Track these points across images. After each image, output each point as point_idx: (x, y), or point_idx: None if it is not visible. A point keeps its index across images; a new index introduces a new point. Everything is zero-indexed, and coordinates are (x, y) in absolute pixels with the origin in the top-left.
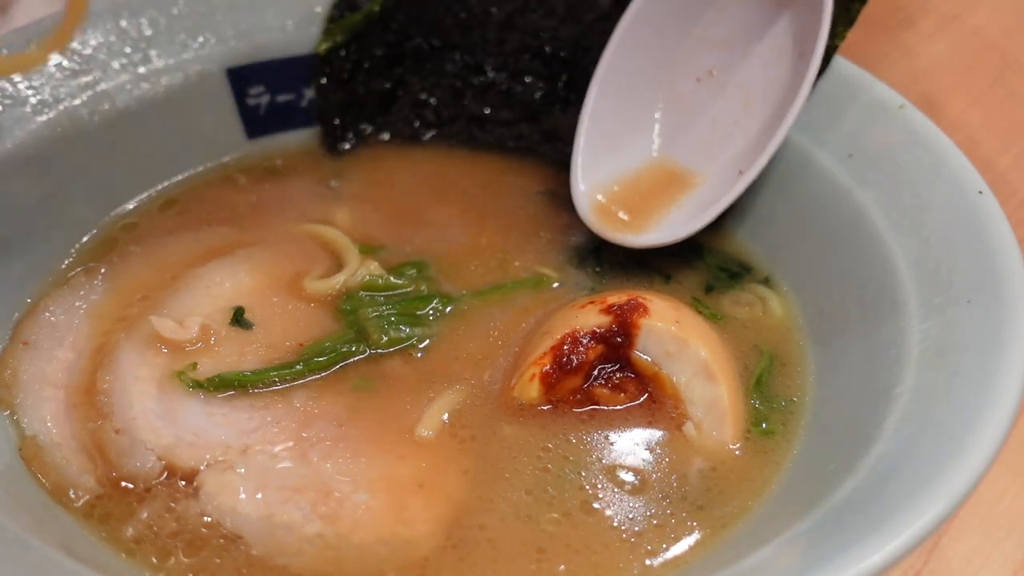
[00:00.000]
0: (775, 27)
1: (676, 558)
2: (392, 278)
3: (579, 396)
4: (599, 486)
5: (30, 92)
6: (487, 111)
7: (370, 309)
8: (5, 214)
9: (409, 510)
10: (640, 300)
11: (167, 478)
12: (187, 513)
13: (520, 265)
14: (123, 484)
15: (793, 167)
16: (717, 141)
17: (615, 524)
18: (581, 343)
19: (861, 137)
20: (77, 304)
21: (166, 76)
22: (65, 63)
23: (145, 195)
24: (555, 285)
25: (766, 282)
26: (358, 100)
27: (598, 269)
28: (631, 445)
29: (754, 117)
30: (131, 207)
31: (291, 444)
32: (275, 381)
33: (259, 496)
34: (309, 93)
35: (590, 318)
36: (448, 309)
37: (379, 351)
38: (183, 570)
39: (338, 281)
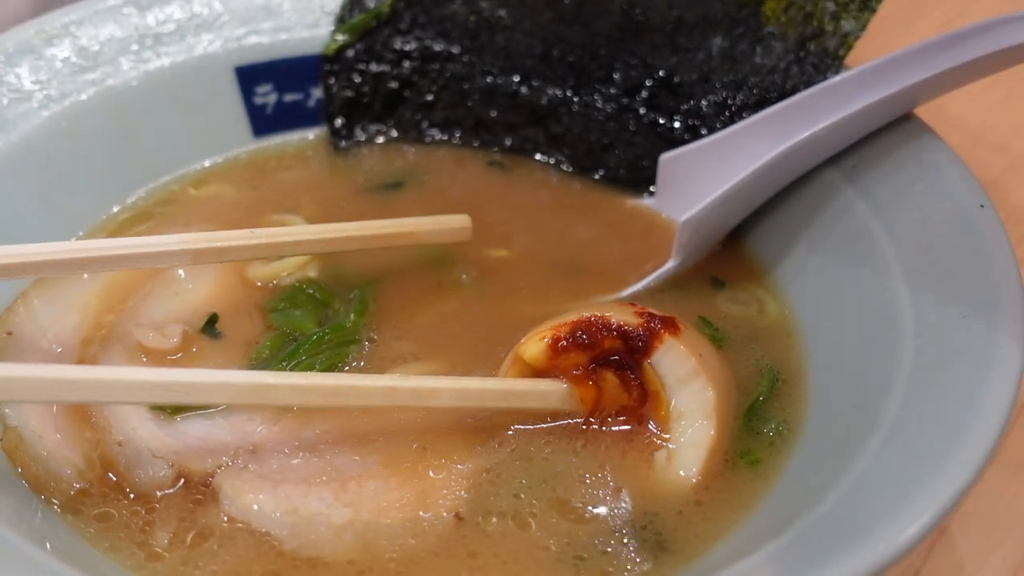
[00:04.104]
0: None
1: None
2: (316, 289)
3: (581, 371)
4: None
5: (36, 87)
6: (493, 114)
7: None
8: (5, 206)
9: (426, 487)
10: (678, 321)
11: (182, 484)
12: (210, 517)
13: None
14: (131, 493)
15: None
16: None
17: (553, 547)
18: (603, 329)
19: (866, 147)
20: (63, 296)
21: (174, 73)
22: (73, 58)
23: (146, 191)
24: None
25: (764, 286)
26: (365, 100)
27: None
28: (601, 461)
29: None
30: (132, 200)
31: (297, 440)
32: None
33: (280, 492)
34: (317, 93)
35: (623, 314)
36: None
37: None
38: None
39: (274, 270)
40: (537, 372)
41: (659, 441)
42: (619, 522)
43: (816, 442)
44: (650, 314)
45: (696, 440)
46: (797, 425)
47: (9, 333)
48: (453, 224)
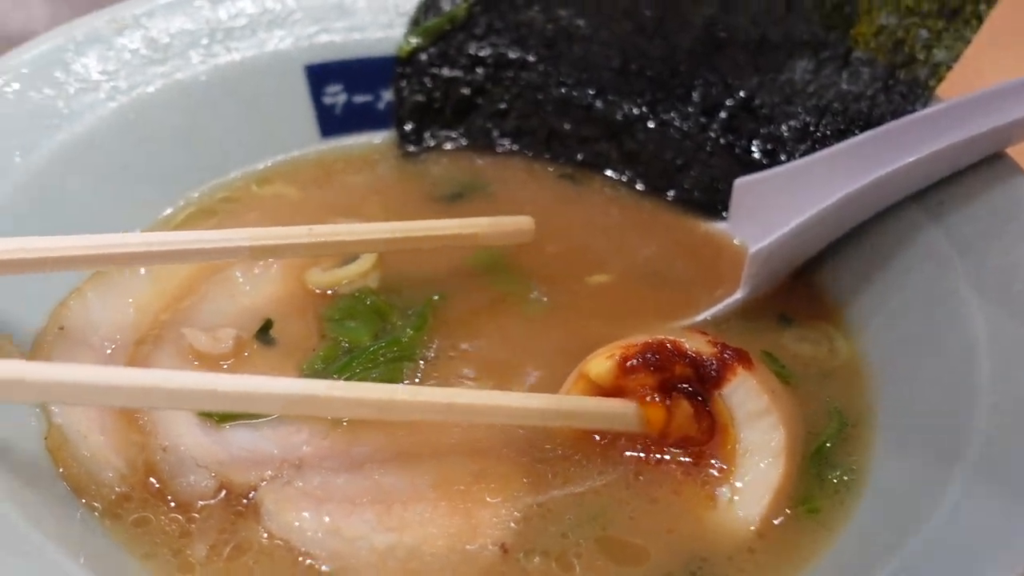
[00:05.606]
0: None
1: None
2: (374, 301)
3: (649, 393)
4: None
5: (104, 77)
6: (567, 126)
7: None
8: (69, 197)
9: (474, 515)
10: (751, 356)
11: (224, 496)
12: (249, 531)
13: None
14: (172, 501)
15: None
16: None
17: None
18: (676, 354)
19: (954, 185)
20: (118, 293)
21: (243, 69)
22: (143, 50)
23: (210, 187)
24: None
25: (835, 324)
26: (436, 106)
27: None
28: (654, 498)
29: None
30: (196, 196)
31: (345, 456)
32: None
33: (323, 511)
34: (387, 95)
35: (696, 343)
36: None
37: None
38: None
39: (334, 277)
40: (601, 391)
41: (719, 477)
42: (669, 567)
43: (883, 495)
44: (724, 345)
45: (762, 480)
46: (863, 475)
47: (61, 328)
48: (515, 225)
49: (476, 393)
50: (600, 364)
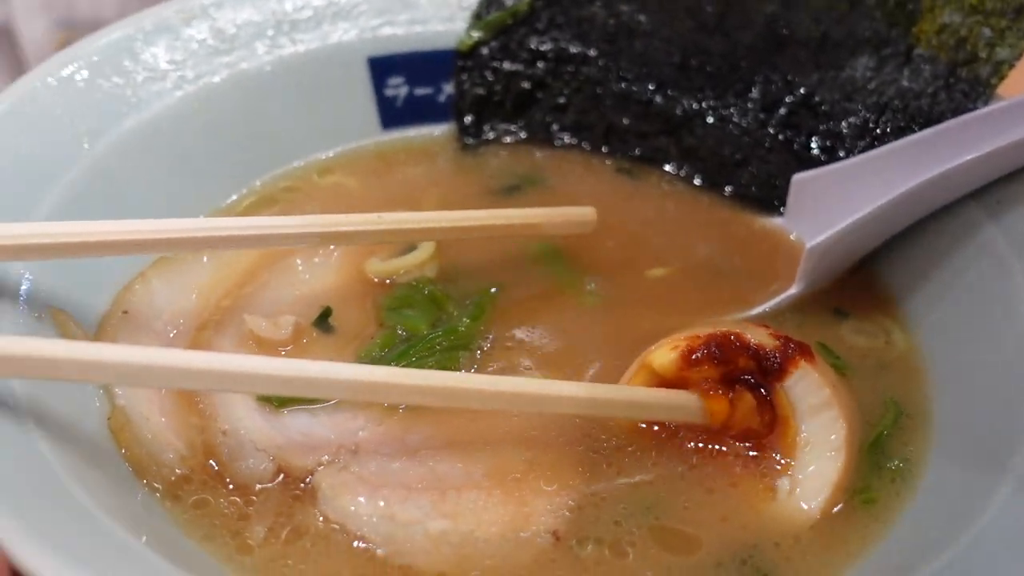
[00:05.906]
0: None
1: None
2: (432, 290)
3: (712, 385)
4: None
5: (171, 67)
6: (626, 121)
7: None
8: (135, 183)
9: (527, 503)
10: (813, 350)
11: (281, 480)
12: (306, 515)
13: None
14: (230, 483)
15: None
16: None
17: None
18: (740, 346)
19: (1013, 183)
20: (181, 279)
21: (307, 60)
22: (210, 40)
23: (272, 176)
24: None
25: (892, 317)
26: (496, 99)
27: None
28: (709, 488)
29: None
30: (258, 185)
31: (400, 443)
32: None
33: (379, 496)
34: (448, 88)
35: (759, 335)
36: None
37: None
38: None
39: (392, 267)
40: (664, 381)
41: (777, 470)
42: (721, 555)
43: (937, 489)
44: (787, 338)
45: (822, 472)
46: (919, 466)
47: (125, 312)
48: (578, 216)
49: (541, 382)
50: (664, 355)
